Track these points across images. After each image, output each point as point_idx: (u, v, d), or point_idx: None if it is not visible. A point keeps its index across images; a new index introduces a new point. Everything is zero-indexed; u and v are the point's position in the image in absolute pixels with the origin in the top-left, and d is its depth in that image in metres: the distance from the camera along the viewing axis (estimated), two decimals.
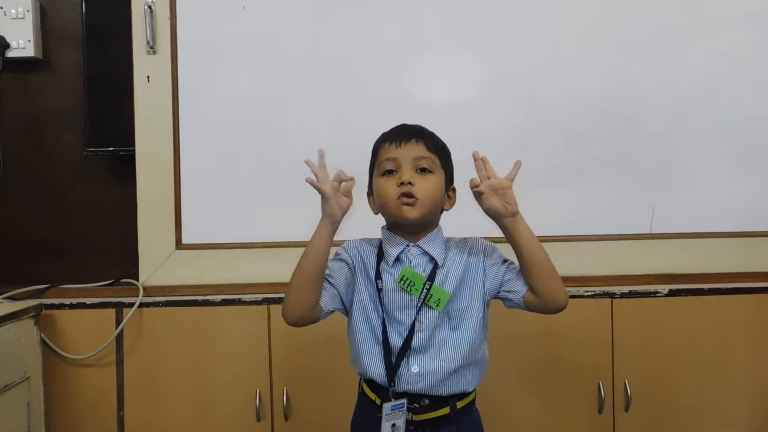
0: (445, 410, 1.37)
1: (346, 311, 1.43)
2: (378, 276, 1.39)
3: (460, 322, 1.38)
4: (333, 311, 1.42)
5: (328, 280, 1.40)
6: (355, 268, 1.42)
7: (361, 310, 1.40)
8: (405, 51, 2.08)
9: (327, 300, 1.39)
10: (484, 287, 1.40)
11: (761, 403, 1.98)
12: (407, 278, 1.36)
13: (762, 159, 2.11)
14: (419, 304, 1.36)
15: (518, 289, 1.38)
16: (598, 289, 1.98)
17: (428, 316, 1.36)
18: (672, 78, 2.09)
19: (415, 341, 1.36)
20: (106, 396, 1.96)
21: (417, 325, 1.36)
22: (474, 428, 1.43)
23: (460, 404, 1.39)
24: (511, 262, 1.41)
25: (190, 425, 1.95)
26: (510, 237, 1.35)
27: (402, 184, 1.35)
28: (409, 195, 1.35)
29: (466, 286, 1.39)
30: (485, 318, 1.42)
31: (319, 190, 1.32)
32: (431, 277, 1.37)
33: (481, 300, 1.40)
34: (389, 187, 1.37)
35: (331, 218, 1.32)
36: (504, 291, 1.40)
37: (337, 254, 1.44)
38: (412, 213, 1.35)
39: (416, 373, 1.35)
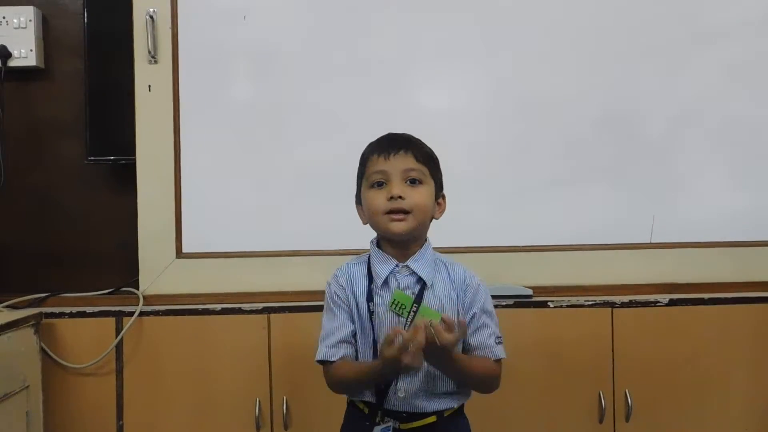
0: (432, 419, 1.37)
1: None
2: (370, 298, 1.38)
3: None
4: None
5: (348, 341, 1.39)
6: (349, 303, 1.40)
7: (358, 332, 1.39)
8: (405, 60, 2.09)
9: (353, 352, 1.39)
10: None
11: (763, 412, 1.98)
12: (398, 302, 1.32)
13: (762, 168, 2.11)
14: (407, 326, 1.31)
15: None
16: (599, 299, 1.98)
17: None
18: (672, 87, 2.10)
19: None
20: (105, 405, 1.95)
21: None
22: None
23: (447, 413, 1.38)
24: (482, 326, 1.39)
25: None
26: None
27: (392, 198, 1.34)
28: (399, 211, 1.34)
29: (449, 312, 1.35)
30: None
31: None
32: (419, 298, 1.35)
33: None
34: (378, 200, 1.36)
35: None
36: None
37: (334, 300, 1.40)
38: (401, 227, 1.34)
39: (402, 397, 1.34)
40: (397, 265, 1.38)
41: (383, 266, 1.38)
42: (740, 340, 1.97)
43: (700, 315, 1.97)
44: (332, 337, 1.39)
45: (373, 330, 1.37)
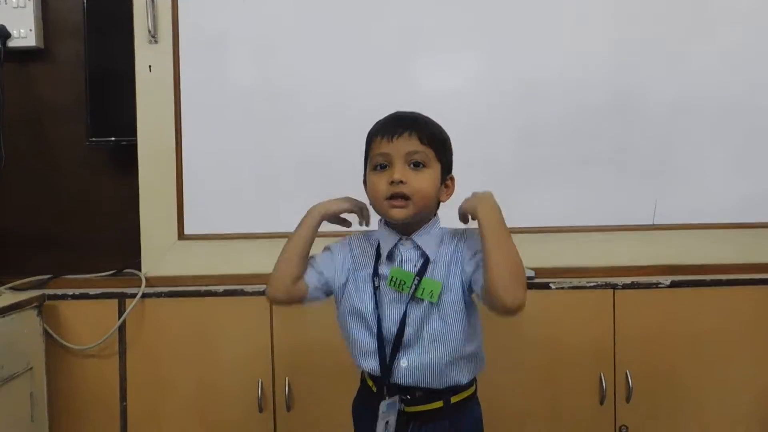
0: (438, 404, 1.36)
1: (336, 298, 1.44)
2: (375, 273, 1.38)
3: (448, 315, 1.34)
4: (318, 298, 1.42)
5: (315, 269, 1.41)
6: (346, 265, 1.41)
7: (351, 306, 1.39)
8: (407, 43, 2.07)
9: (314, 285, 1.41)
10: (462, 278, 1.35)
11: (763, 394, 1.99)
12: (396, 278, 1.34)
13: (764, 151, 2.11)
14: (408, 299, 1.34)
15: (478, 280, 1.31)
16: (600, 281, 1.98)
17: (416, 310, 1.34)
18: (674, 70, 2.08)
19: (405, 336, 1.34)
20: (109, 386, 1.96)
21: (406, 319, 1.34)
22: (470, 423, 1.40)
23: (454, 399, 1.37)
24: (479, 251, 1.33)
25: (192, 415, 1.96)
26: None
27: (393, 182, 1.31)
28: (400, 196, 1.32)
29: (453, 278, 1.35)
30: (473, 310, 1.38)
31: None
32: (421, 271, 1.34)
33: (463, 291, 1.35)
34: (380, 184, 1.33)
35: (326, 214, 1.42)
36: (472, 282, 1.35)
37: (328, 247, 1.44)
38: (400, 214, 1.32)
39: (405, 367, 1.34)
40: (401, 239, 1.37)
41: (387, 241, 1.38)
42: (742, 322, 1.98)
43: (701, 297, 1.97)
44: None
45: (377, 302, 1.36)
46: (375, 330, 1.36)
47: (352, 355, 1.42)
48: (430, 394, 1.36)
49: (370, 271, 1.39)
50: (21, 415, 1.81)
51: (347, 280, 1.41)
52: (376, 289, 1.37)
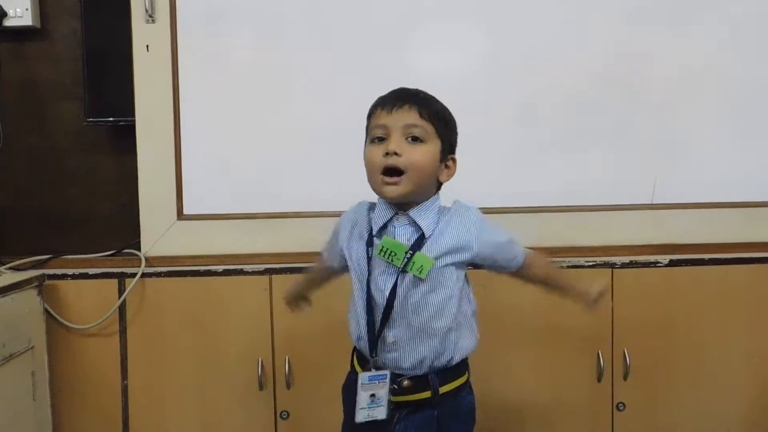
0: (426, 394, 1.33)
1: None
2: (370, 242, 1.35)
3: (436, 289, 1.32)
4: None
5: (331, 255, 1.49)
6: (346, 236, 1.40)
7: (354, 275, 1.38)
8: (407, 20, 2.06)
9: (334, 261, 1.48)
10: (469, 258, 1.35)
11: (760, 373, 2.00)
12: (387, 249, 1.30)
13: (764, 129, 2.10)
14: (399, 272, 1.31)
15: (510, 268, 1.43)
16: (599, 259, 1.98)
17: (405, 283, 1.31)
18: (675, 48, 2.07)
19: (394, 309, 1.31)
20: (109, 365, 1.97)
21: (396, 292, 1.31)
22: (460, 413, 1.38)
23: (443, 389, 1.34)
24: (505, 242, 1.40)
25: (192, 393, 1.98)
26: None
27: (387, 154, 1.28)
28: (393, 172, 1.29)
29: (448, 255, 1.32)
30: (464, 285, 1.38)
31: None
32: (416, 246, 1.31)
33: (460, 268, 1.35)
34: (375, 156, 1.30)
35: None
36: (496, 267, 1.42)
37: (335, 230, 1.47)
38: (393, 192, 1.30)
39: (392, 342, 1.32)
40: (396, 213, 1.34)
41: (382, 214, 1.35)
42: (739, 301, 1.98)
43: (699, 275, 1.98)
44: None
45: (369, 272, 1.34)
46: (364, 299, 1.34)
47: (350, 328, 1.42)
48: (418, 382, 1.33)
49: (366, 238, 1.36)
50: (23, 393, 1.82)
51: (352, 248, 1.39)
52: (369, 259, 1.34)
